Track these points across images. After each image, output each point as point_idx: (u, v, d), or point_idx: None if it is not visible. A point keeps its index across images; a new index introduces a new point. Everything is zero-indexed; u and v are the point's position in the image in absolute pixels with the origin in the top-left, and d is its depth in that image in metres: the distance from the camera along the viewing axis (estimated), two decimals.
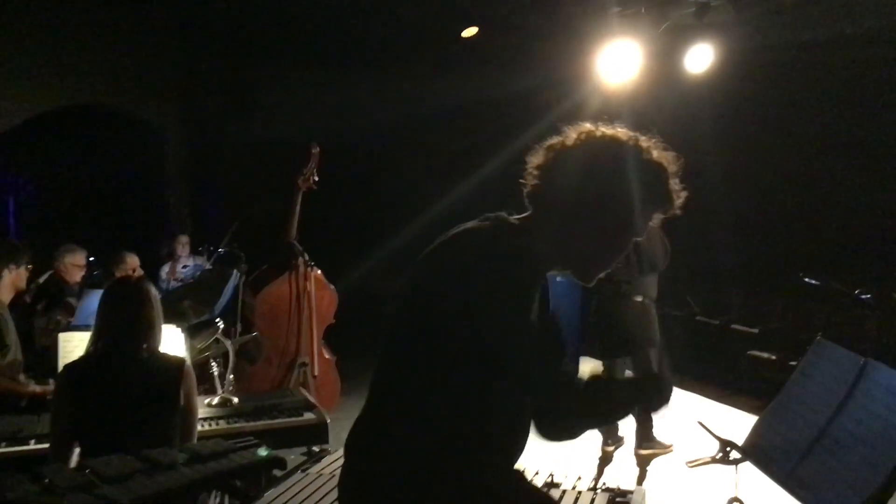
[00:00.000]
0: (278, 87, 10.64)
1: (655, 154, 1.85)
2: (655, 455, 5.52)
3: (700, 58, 7.85)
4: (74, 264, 6.14)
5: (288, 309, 5.43)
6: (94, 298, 4.02)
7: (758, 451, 2.38)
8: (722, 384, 7.90)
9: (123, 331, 3.16)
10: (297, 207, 5.42)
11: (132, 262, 5.58)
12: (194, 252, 8.68)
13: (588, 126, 1.87)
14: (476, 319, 1.65)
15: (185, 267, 7.95)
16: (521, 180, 1.92)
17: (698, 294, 9.49)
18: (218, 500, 3.44)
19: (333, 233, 9.23)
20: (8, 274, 4.48)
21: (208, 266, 7.92)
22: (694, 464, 4.51)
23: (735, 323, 8.65)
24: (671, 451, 5.52)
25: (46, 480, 2.52)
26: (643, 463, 5.46)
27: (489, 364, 1.68)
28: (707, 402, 7.38)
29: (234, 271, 6.01)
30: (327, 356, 5.64)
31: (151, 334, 3.21)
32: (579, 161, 1.80)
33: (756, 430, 2.48)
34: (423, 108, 10.19)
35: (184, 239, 8.64)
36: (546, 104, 9.71)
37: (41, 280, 6.88)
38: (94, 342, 3.21)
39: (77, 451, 3.11)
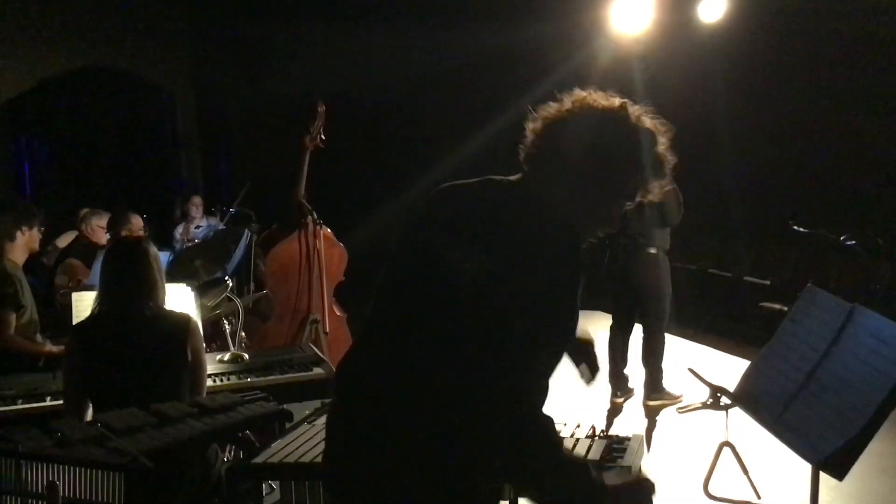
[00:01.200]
0: (288, 45, 10.61)
1: (648, 121, 1.88)
2: (664, 406, 5.58)
3: (713, 7, 7.77)
4: (100, 226, 6.22)
5: (298, 267, 5.48)
6: None
7: (747, 396, 2.42)
8: (734, 336, 7.92)
9: (125, 290, 3.22)
10: (305, 166, 5.43)
11: (136, 224, 5.63)
12: (207, 213, 8.78)
13: (581, 93, 1.90)
14: (535, 309, 1.66)
15: (198, 227, 8.03)
16: (519, 144, 1.93)
17: (710, 247, 9.49)
18: (230, 451, 3.53)
19: (343, 191, 9.28)
20: (21, 236, 4.56)
21: (221, 226, 8.00)
22: (684, 409, 4.59)
23: (747, 275, 8.65)
24: (680, 401, 5.57)
25: (59, 434, 2.61)
26: (652, 414, 5.53)
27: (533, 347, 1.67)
28: (718, 353, 7.42)
29: (246, 231, 6.07)
30: (338, 313, 5.70)
31: (154, 292, 3.26)
32: (577, 128, 1.83)
33: (746, 377, 2.51)
34: (432, 62, 10.13)
35: (197, 200, 8.73)
36: (558, 56, 9.64)
37: (60, 242, 7.01)
38: (98, 302, 3.28)
39: (91, 407, 3.21)
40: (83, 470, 2.30)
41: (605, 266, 5.74)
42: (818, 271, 7.71)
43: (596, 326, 7.46)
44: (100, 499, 2.26)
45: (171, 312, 3.34)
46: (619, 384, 5.71)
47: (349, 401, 1.88)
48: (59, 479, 2.26)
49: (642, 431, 5.18)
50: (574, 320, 1.75)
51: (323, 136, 5.38)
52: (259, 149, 10.33)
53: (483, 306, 1.66)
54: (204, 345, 3.45)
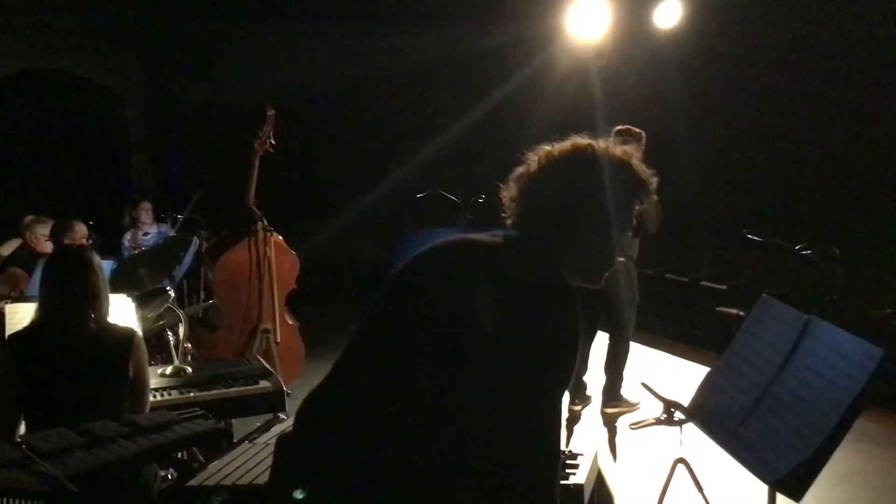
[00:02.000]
0: (243, 46, 10.44)
1: (617, 150, 1.87)
2: (622, 413, 5.55)
3: (669, 13, 7.79)
4: (44, 234, 6.03)
5: (248, 275, 5.33)
6: None
7: (702, 412, 2.35)
8: (691, 341, 7.92)
9: (67, 301, 3.09)
10: (255, 171, 5.30)
11: (80, 231, 5.44)
12: (157, 219, 8.56)
13: (545, 147, 1.89)
14: (540, 367, 1.67)
15: (146, 235, 7.81)
16: (501, 214, 1.93)
17: (669, 252, 9.50)
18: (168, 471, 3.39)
19: (297, 197, 9.12)
20: None
21: (171, 233, 7.80)
22: (637, 425, 4.53)
23: (704, 280, 8.66)
24: (638, 408, 5.55)
25: None
26: (610, 421, 5.48)
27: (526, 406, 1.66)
28: (675, 359, 7.41)
29: (195, 238, 5.91)
30: (290, 322, 5.56)
31: (97, 304, 3.13)
32: (552, 182, 1.83)
33: (700, 391, 2.44)
34: (390, 65, 10.05)
35: (146, 205, 8.49)
36: (517, 61, 9.61)
37: (3, 250, 6.78)
38: (38, 313, 3.13)
39: (23, 425, 3.05)
40: (4, 499, 2.16)
41: None
42: (775, 277, 7.74)
43: None
44: None
45: (114, 326, 3.21)
46: (578, 392, 5.70)
47: (321, 443, 1.73)
48: None
49: (599, 444, 5.16)
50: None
51: (273, 141, 5.25)
52: (212, 153, 10.14)
53: (496, 363, 1.64)
54: (147, 360, 3.31)
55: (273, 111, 5.26)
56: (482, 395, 1.64)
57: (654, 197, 5.39)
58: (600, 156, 1.82)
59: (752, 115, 8.70)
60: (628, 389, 5.64)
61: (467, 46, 9.50)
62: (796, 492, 1.89)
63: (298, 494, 1.76)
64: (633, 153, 1.86)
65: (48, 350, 3.02)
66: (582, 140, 1.86)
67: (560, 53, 9.04)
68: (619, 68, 8.97)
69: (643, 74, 9.14)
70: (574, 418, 5.59)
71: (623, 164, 1.83)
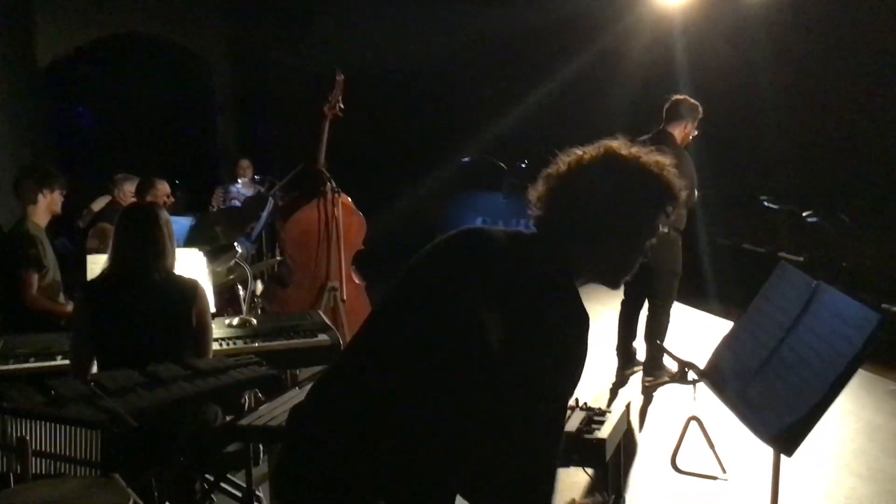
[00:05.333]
0: (327, 11, 10.61)
1: (650, 159, 1.83)
2: (662, 383, 5.56)
3: None
4: (132, 191, 6.35)
5: (317, 234, 5.53)
6: None
7: (714, 372, 2.40)
8: None
9: (135, 253, 3.30)
10: (325, 135, 5.48)
11: (162, 189, 5.72)
12: (254, 180, 8.84)
13: (575, 151, 1.86)
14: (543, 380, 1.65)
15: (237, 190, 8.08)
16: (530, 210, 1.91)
17: (749, 222, 9.33)
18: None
19: (370, 162, 9.28)
20: (43, 198, 4.68)
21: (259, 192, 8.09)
22: (652, 383, 4.58)
23: (782, 251, 8.49)
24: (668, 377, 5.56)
25: (52, 392, 2.70)
26: (648, 391, 5.50)
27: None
28: None
29: (269, 198, 6.15)
30: (357, 281, 5.75)
31: (163, 257, 3.33)
32: (578, 187, 1.80)
33: (715, 353, 2.49)
34: (471, 34, 10.04)
35: (245, 163, 8.81)
36: (598, 27, 9.49)
37: (95, 206, 7.18)
38: (109, 262, 3.37)
39: (95, 365, 3.31)
40: (65, 426, 2.38)
41: None
42: (852, 248, 7.53)
43: (607, 304, 7.50)
44: (79, 455, 2.34)
45: (179, 277, 3.41)
46: (627, 357, 5.75)
47: (329, 412, 1.79)
48: (41, 435, 2.35)
49: (630, 405, 5.25)
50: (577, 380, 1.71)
51: (342, 106, 5.41)
52: (295, 117, 10.40)
53: (494, 366, 1.64)
54: (210, 310, 3.51)
55: (342, 76, 5.40)
56: (480, 394, 1.65)
57: (691, 165, 5.42)
58: (631, 164, 1.79)
59: (843, 84, 8.41)
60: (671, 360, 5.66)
61: (550, 13, 9.45)
62: (788, 448, 1.94)
63: None
64: (666, 162, 1.83)
65: (117, 297, 3.24)
66: (613, 145, 1.82)
67: (644, 18, 8.91)
68: (705, 34, 8.79)
69: (730, 39, 8.92)
70: (622, 382, 5.68)
71: (654, 176, 1.80)
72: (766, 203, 6.32)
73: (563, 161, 1.84)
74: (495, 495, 1.67)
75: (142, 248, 3.29)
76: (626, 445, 2.82)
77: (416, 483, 1.69)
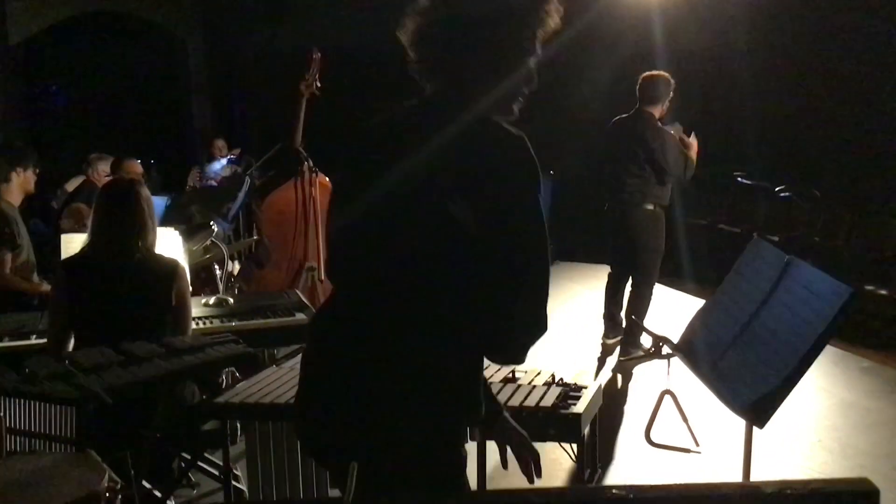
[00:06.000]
0: None
1: None
2: (637, 359, 5.62)
3: None
4: (106, 171, 6.31)
5: (294, 214, 5.50)
6: None
7: (688, 346, 2.43)
8: None
9: (115, 230, 3.28)
10: (301, 114, 5.43)
11: (133, 168, 5.68)
12: (229, 160, 8.77)
13: None
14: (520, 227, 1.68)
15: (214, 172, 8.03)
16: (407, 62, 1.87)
17: (725, 202, 9.39)
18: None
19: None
20: (16, 177, 4.63)
21: (237, 169, 8.02)
22: (626, 358, 4.63)
23: (757, 231, 8.56)
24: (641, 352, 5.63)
25: (27, 370, 2.67)
26: (625, 368, 5.57)
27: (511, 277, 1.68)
28: None
29: (246, 178, 6.11)
30: None
31: (143, 234, 3.32)
32: (442, 19, 1.77)
33: (690, 327, 2.52)
34: None
35: (220, 143, 8.75)
36: (572, 11, 9.44)
37: (69, 186, 7.11)
38: (89, 239, 3.35)
39: (72, 343, 3.29)
40: (40, 404, 2.37)
41: (606, 218, 5.79)
42: (828, 227, 7.62)
43: (583, 283, 7.54)
44: (53, 432, 2.33)
45: (160, 256, 3.40)
46: (612, 327, 5.85)
47: (335, 348, 1.82)
48: (15, 412, 2.34)
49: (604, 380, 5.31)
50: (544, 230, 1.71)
51: (318, 84, 5.36)
52: (271, 96, 10.32)
53: (461, 234, 1.66)
54: (190, 289, 3.50)
55: (319, 54, 5.36)
56: (464, 265, 1.68)
57: (677, 137, 5.48)
58: None
59: (819, 68, 8.46)
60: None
61: None
62: (760, 419, 1.97)
63: None
64: None
65: (97, 274, 3.23)
66: None
67: (621, 1, 8.90)
68: (682, 17, 8.81)
69: (707, 23, 8.95)
70: (607, 351, 5.79)
71: None
72: (739, 179, 6.39)
73: (418, 4, 1.81)
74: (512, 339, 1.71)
75: (122, 226, 3.27)
76: (601, 420, 2.84)
77: (437, 374, 1.72)
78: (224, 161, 8.37)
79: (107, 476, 1.75)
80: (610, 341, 5.80)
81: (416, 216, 1.71)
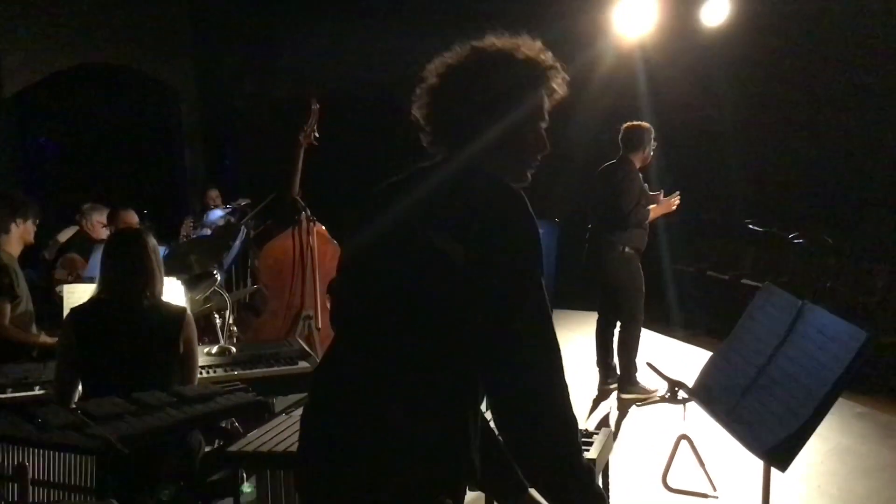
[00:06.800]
0: (294, 41, 10.63)
1: (501, 43, 1.87)
2: (637, 399, 5.71)
3: (716, 11, 7.78)
4: (100, 222, 6.33)
5: (291, 263, 5.54)
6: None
7: (703, 391, 2.47)
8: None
9: (123, 278, 3.32)
10: (299, 163, 5.50)
11: (130, 219, 5.72)
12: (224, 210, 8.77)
13: (440, 57, 1.89)
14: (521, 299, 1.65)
15: (201, 222, 8.04)
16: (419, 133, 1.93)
17: (712, 249, 9.50)
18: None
19: (343, 189, 9.29)
20: (16, 228, 4.64)
21: (230, 219, 8.03)
22: (643, 402, 4.66)
23: (746, 278, 8.65)
24: (655, 396, 5.69)
25: (39, 420, 2.67)
26: (624, 406, 5.66)
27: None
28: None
29: (242, 227, 6.15)
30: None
31: (151, 283, 3.35)
32: (453, 89, 1.84)
33: (704, 372, 2.56)
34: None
35: (213, 193, 8.77)
36: (560, 58, 9.61)
37: (61, 237, 7.10)
38: (98, 288, 3.37)
39: (79, 392, 3.28)
40: (58, 454, 2.37)
41: (583, 263, 5.97)
42: (816, 275, 7.72)
43: (576, 330, 7.56)
44: (73, 482, 2.32)
45: (167, 304, 3.43)
46: (607, 373, 5.97)
47: (328, 399, 1.82)
48: (34, 464, 2.33)
49: (612, 425, 5.34)
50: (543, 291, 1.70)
51: (317, 134, 5.44)
52: (265, 146, 10.40)
53: (469, 297, 1.64)
54: (196, 337, 3.51)
55: (318, 105, 5.45)
56: (472, 321, 1.65)
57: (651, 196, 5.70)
58: (492, 54, 1.82)
59: (801, 114, 8.64)
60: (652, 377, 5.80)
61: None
62: (782, 462, 2.00)
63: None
64: (518, 42, 1.84)
65: (106, 323, 3.25)
66: (467, 43, 1.86)
67: (605, 52, 9.08)
68: (665, 66, 9.00)
69: (690, 71, 9.13)
70: (604, 396, 5.85)
71: (514, 55, 1.82)
72: (751, 226, 6.49)
73: (432, 73, 1.87)
74: (513, 419, 1.67)
75: (131, 273, 3.30)
76: (615, 465, 2.86)
77: (429, 433, 1.67)
78: (222, 212, 8.39)
79: None
80: (608, 387, 5.91)
81: (408, 257, 1.73)
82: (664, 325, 7.94)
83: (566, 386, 1.70)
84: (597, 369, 6.02)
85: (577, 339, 7.80)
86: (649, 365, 2.88)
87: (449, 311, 1.67)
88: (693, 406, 2.57)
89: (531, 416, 1.66)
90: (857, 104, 8.09)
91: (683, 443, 4.01)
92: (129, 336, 3.21)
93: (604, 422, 5.08)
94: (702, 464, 4.03)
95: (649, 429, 5.26)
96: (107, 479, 2.34)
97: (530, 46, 1.86)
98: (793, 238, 6.42)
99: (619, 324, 5.92)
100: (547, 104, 1.89)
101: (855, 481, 4.47)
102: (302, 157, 5.52)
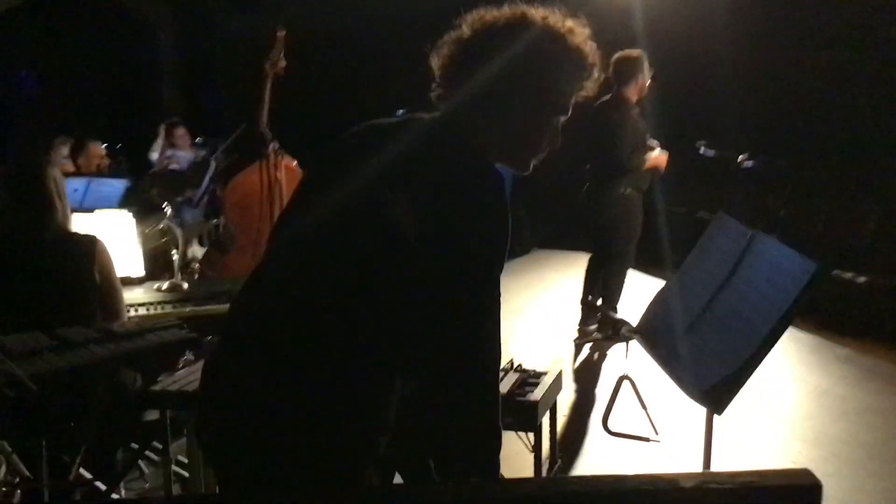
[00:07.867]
0: None
1: (558, 23, 1.70)
2: (593, 340, 5.59)
3: None
4: (65, 155, 6.15)
5: (259, 198, 5.34)
6: None
7: (647, 329, 2.30)
8: None
9: (20, 211, 3.13)
10: (267, 94, 5.26)
11: (95, 151, 5.51)
12: (195, 144, 8.51)
13: (479, 12, 1.73)
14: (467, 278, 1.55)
15: (170, 157, 7.79)
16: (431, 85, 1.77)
17: (704, 191, 9.31)
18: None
19: (323, 129, 9.06)
20: None
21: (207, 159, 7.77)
22: (583, 340, 4.50)
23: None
24: (597, 336, 5.58)
25: None
26: (577, 348, 5.54)
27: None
28: None
29: (211, 161, 5.95)
30: None
31: (50, 213, 3.15)
32: (485, 51, 1.67)
33: (649, 309, 2.39)
34: (426, 2, 9.80)
35: (181, 131, 8.47)
36: None
37: None
38: None
39: None
40: None
41: (583, 201, 5.74)
42: (806, 217, 7.53)
43: (561, 271, 7.42)
44: None
45: (74, 234, 3.23)
46: (589, 313, 5.73)
47: (243, 344, 1.67)
48: None
49: (564, 365, 5.21)
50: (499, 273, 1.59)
51: (283, 63, 5.20)
52: (241, 80, 10.12)
53: (409, 261, 1.54)
54: (114, 267, 3.31)
55: (283, 32, 5.19)
56: (404, 291, 1.55)
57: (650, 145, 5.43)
58: (536, 26, 1.66)
59: (799, 55, 8.39)
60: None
61: None
62: (717, 405, 1.84)
63: None
64: (575, 26, 1.69)
65: (9, 257, 3.08)
66: (519, 7, 1.70)
67: None
68: (661, 7, 8.71)
69: (689, 6, 8.86)
70: (583, 336, 5.67)
71: (561, 37, 1.67)
72: (702, 150, 6.30)
73: (467, 24, 1.72)
74: (441, 405, 1.60)
75: (27, 207, 3.11)
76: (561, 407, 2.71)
77: (351, 400, 1.57)
78: (191, 155, 8.08)
79: (3, 469, 1.60)
80: (586, 328, 5.71)
81: (358, 216, 1.60)
82: (654, 267, 7.78)
83: (497, 382, 1.64)
84: (580, 308, 5.84)
85: (557, 280, 7.67)
86: (587, 302, 2.70)
87: (388, 284, 1.56)
88: (637, 345, 2.41)
89: (458, 405, 1.59)
90: (858, 41, 7.84)
91: (626, 384, 3.84)
92: (37, 269, 3.04)
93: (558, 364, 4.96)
94: (644, 406, 3.84)
95: (592, 370, 5.16)
96: (7, 419, 2.18)
97: (582, 35, 1.71)
98: (741, 162, 6.26)
99: (605, 266, 5.72)
100: (574, 95, 1.73)
101: (832, 425, 4.35)
102: (269, 87, 5.28)
